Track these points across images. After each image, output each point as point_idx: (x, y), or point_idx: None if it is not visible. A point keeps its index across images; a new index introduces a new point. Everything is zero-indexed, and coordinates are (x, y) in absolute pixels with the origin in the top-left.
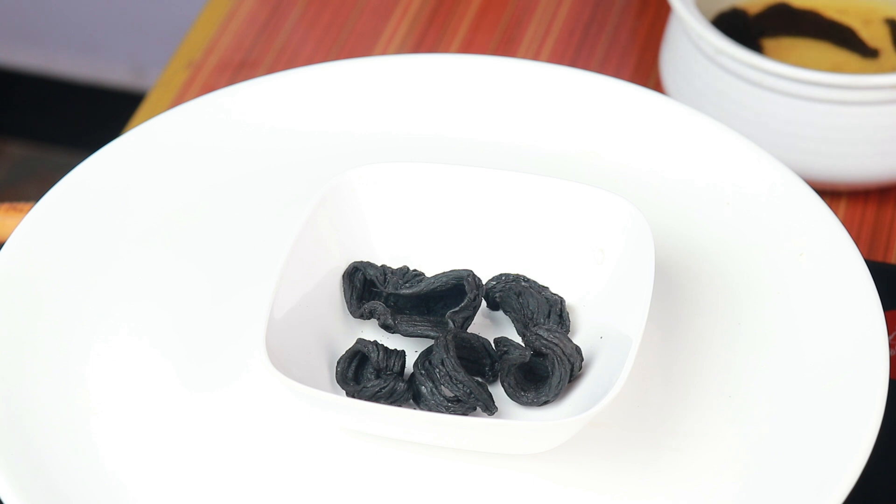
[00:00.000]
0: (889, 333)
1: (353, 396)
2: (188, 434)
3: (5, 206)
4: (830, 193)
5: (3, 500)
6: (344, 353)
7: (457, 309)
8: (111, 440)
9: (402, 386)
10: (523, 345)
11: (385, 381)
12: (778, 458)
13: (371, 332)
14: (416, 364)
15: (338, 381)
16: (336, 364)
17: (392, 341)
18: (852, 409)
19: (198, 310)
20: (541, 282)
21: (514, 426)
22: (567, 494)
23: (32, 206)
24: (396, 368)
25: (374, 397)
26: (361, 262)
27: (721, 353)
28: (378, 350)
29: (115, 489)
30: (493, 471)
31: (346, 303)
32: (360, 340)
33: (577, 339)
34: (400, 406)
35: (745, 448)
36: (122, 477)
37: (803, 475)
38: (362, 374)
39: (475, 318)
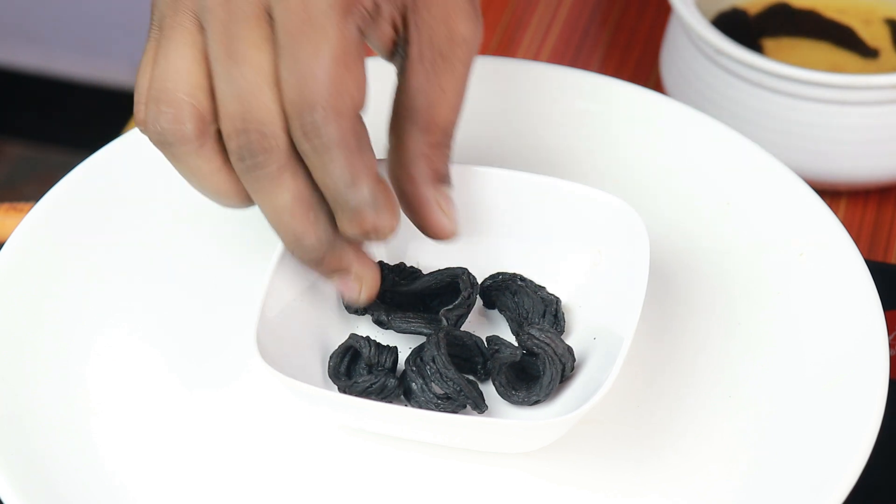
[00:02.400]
0: (889, 333)
1: (344, 391)
2: (188, 434)
3: (5, 206)
4: (830, 193)
5: (4, 500)
6: (336, 348)
7: (450, 307)
8: (111, 440)
9: (392, 382)
10: (516, 344)
11: (376, 377)
12: (777, 458)
13: (366, 328)
14: (407, 361)
15: (330, 377)
16: (328, 359)
17: (386, 337)
18: (852, 409)
19: (198, 309)
20: (538, 281)
21: (502, 425)
22: (561, 492)
23: (32, 206)
24: (388, 364)
25: (365, 392)
26: None
27: (720, 352)
28: (370, 345)
29: (115, 489)
30: (487, 469)
31: (341, 298)
32: (352, 336)
33: (572, 339)
34: (391, 402)
35: (745, 448)
36: (121, 477)
37: (803, 475)
38: (354, 369)
39: (470, 316)
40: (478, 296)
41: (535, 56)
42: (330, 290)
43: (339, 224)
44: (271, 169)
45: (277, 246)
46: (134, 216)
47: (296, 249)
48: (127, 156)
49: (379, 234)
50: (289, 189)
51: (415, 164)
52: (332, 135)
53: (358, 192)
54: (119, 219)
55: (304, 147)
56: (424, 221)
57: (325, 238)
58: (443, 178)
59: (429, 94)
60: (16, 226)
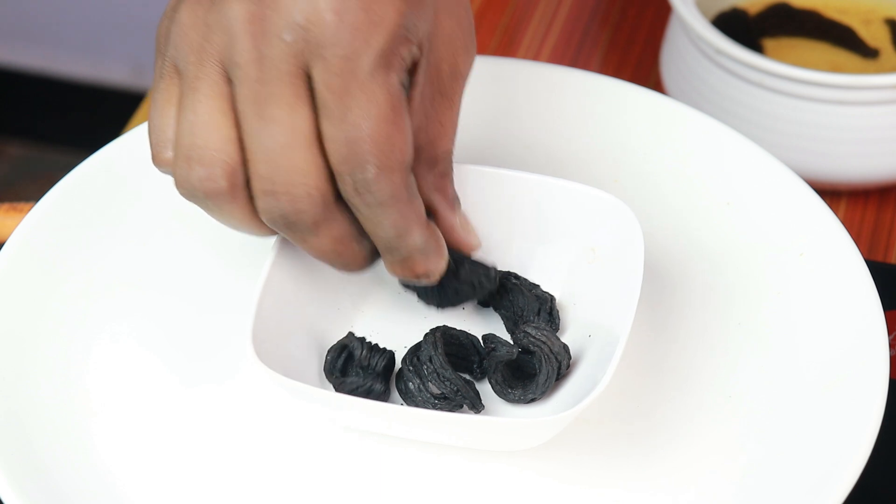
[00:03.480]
0: (889, 333)
1: (334, 388)
2: (188, 434)
3: (5, 206)
4: (830, 193)
5: (4, 500)
6: (334, 343)
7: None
8: (111, 440)
9: (379, 387)
10: (512, 342)
11: (363, 380)
12: (777, 458)
13: (362, 325)
14: (404, 360)
15: (325, 373)
16: (325, 354)
17: (382, 339)
18: (852, 409)
19: (198, 309)
20: (532, 279)
21: (499, 423)
22: (560, 490)
23: (32, 206)
24: (379, 368)
25: (352, 394)
26: None
27: (721, 353)
28: (363, 347)
29: (114, 489)
30: (483, 467)
31: None
32: (349, 335)
33: (567, 337)
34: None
35: (745, 447)
36: (121, 477)
37: (803, 475)
38: (351, 366)
39: (465, 314)
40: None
41: (535, 56)
42: (328, 286)
43: (387, 267)
44: (304, 226)
45: (274, 243)
46: (134, 216)
47: (344, 270)
48: (127, 156)
49: (431, 277)
50: (327, 236)
51: (433, 200)
52: (385, 191)
53: (410, 242)
54: (119, 219)
55: (356, 202)
56: (454, 245)
57: (371, 259)
58: (456, 201)
59: (429, 132)
60: (16, 226)
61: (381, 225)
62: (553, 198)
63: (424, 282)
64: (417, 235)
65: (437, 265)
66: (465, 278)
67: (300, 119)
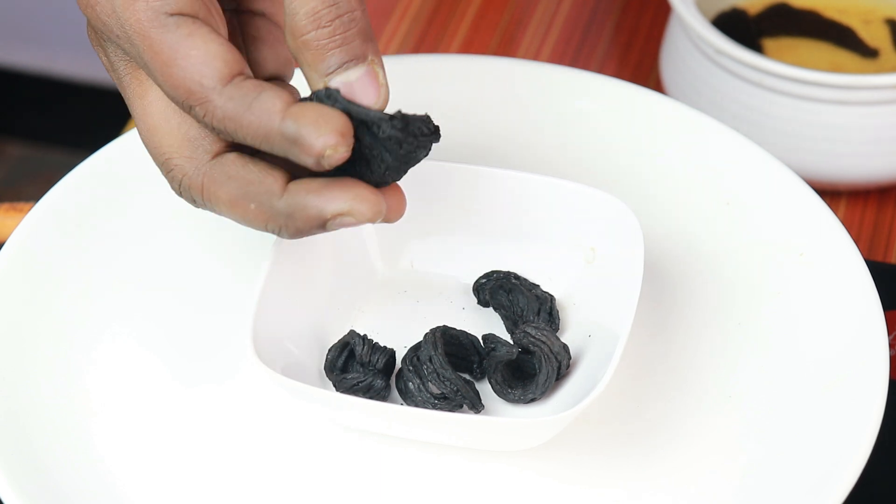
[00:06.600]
0: (889, 333)
1: (335, 385)
2: (188, 434)
3: (5, 206)
4: (830, 193)
5: (4, 500)
6: (335, 342)
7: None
8: (111, 440)
9: (379, 383)
10: (512, 342)
11: (364, 376)
12: (777, 459)
13: (363, 325)
14: (404, 360)
15: (325, 370)
16: (327, 352)
17: (383, 338)
18: (852, 409)
19: (198, 309)
20: (531, 279)
21: (499, 423)
22: (560, 489)
23: (32, 206)
24: (379, 365)
25: (352, 389)
26: None
27: (721, 353)
28: (364, 343)
29: (114, 489)
30: (484, 466)
31: None
32: (350, 332)
33: (566, 337)
34: (381, 401)
35: (745, 448)
36: (121, 477)
37: (803, 475)
38: (352, 364)
39: (465, 314)
40: (472, 292)
41: (535, 56)
42: (329, 286)
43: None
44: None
45: (273, 242)
46: (133, 216)
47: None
48: (127, 156)
49: (329, 155)
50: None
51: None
52: (213, 116)
53: (274, 140)
54: (119, 219)
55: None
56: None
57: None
58: (355, 57)
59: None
60: (16, 226)
61: (244, 139)
62: (553, 198)
63: (328, 161)
64: (275, 134)
65: (325, 139)
66: (386, 135)
67: None
